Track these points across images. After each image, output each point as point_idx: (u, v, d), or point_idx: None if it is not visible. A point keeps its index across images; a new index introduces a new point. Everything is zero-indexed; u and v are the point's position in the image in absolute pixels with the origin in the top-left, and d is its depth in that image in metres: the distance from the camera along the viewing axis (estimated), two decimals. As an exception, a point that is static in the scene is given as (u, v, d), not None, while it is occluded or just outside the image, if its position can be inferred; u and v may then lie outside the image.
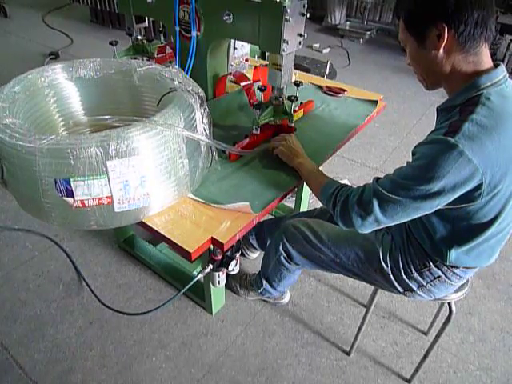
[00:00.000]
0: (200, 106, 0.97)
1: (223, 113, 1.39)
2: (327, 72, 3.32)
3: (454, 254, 0.97)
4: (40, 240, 1.85)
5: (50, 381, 1.33)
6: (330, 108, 1.48)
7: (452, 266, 1.01)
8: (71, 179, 0.80)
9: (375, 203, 0.86)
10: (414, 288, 1.07)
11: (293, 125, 1.24)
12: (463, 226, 0.92)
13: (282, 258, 1.27)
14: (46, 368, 1.37)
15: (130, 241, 1.78)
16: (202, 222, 0.93)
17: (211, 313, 1.56)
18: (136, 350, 1.43)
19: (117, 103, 1.15)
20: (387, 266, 1.09)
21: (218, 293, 1.52)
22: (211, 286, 1.35)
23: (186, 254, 0.86)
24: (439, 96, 3.53)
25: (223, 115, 1.38)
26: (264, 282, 1.44)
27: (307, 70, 3.23)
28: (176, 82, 0.98)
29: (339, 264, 1.16)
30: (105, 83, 1.12)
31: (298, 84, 1.24)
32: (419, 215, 0.86)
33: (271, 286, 1.42)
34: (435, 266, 1.02)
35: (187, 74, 1.33)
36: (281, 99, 1.20)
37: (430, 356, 1.30)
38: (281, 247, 1.26)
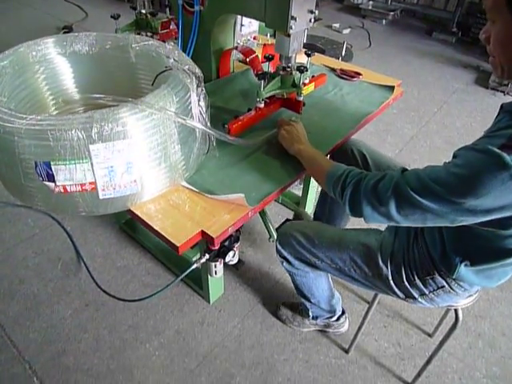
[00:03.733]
0: (196, 86, 0.89)
1: (228, 94, 1.30)
2: (343, 54, 3.17)
3: (463, 270, 0.88)
4: (42, 217, 1.83)
5: (42, 362, 1.32)
6: (343, 92, 1.38)
7: (458, 279, 0.93)
8: (52, 163, 0.74)
9: (393, 197, 0.75)
10: (416, 296, 1.00)
11: (301, 99, 1.14)
12: (483, 245, 0.82)
13: (284, 265, 1.21)
14: (39, 348, 1.36)
15: (131, 223, 1.75)
16: (193, 213, 0.87)
17: (209, 302, 1.52)
18: (130, 336, 1.41)
19: (112, 81, 1.08)
20: (387, 271, 1.01)
21: (217, 281, 1.48)
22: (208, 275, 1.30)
23: (173, 247, 0.81)
24: (463, 83, 3.35)
25: (228, 97, 1.30)
26: (302, 301, 1.35)
27: (322, 51, 3.09)
28: (172, 60, 0.91)
29: (336, 269, 1.09)
30: (100, 59, 1.05)
31: (309, 54, 1.13)
32: (436, 225, 0.77)
33: (310, 301, 1.32)
34: (440, 276, 0.94)
35: (190, 51, 1.25)
36: (289, 69, 1.10)
37: (434, 360, 1.24)
38: (278, 254, 1.20)
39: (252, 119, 1.08)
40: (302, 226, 1.15)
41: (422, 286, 0.98)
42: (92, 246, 1.71)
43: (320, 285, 1.26)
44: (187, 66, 0.90)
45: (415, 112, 2.88)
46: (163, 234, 0.81)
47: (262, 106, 1.09)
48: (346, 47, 3.23)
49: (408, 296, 1.03)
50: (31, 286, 1.55)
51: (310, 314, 1.38)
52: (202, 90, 0.92)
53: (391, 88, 1.41)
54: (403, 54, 3.78)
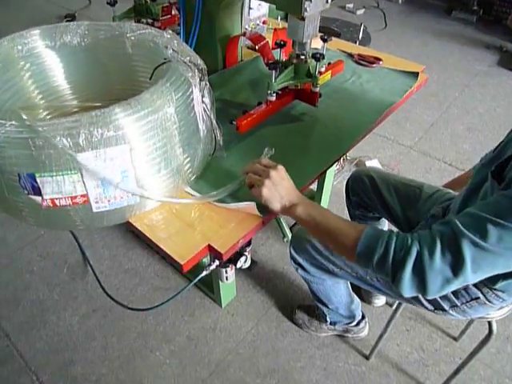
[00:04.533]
0: (199, 80, 0.79)
1: (235, 86, 1.20)
2: (360, 37, 2.99)
3: (503, 282, 0.78)
4: (47, 218, 1.77)
5: (49, 372, 1.27)
6: (362, 80, 1.26)
7: (496, 289, 0.82)
8: (36, 174, 0.65)
9: (467, 256, 0.59)
10: (446, 308, 0.90)
11: (317, 90, 1.02)
12: None
13: (298, 271, 1.12)
14: (46, 358, 1.31)
15: (138, 223, 1.67)
16: (198, 223, 0.78)
17: (221, 305, 1.44)
18: (139, 343, 1.35)
19: (108, 75, 0.99)
20: None
21: (229, 285, 1.40)
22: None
23: (177, 265, 0.72)
24: (485, 65, 3.16)
25: (235, 89, 1.19)
26: (319, 306, 1.26)
27: (337, 35, 2.92)
28: (170, 51, 0.80)
29: (357, 278, 0.99)
30: (93, 52, 0.96)
31: (325, 39, 1.02)
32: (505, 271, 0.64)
33: (327, 307, 1.24)
34: (474, 286, 0.84)
35: (193, 38, 1.15)
36: (303, 57, 0.98)
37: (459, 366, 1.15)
38: (292, 260, 1.11)
39: (263, 114, 0.97)
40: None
41: (453, 298, 0.89)
42: (98, 248, 1.65)
43: (338, 291, 1.17)
44: (188, 58, 0.80)
45: (435, 97, 2.72)
46: (165, 249, 0.72)
47: (274, 98, 0.98)
48: (364, 29, 3.04)
49: (437, 308, 0.93)
50: (37, 291, 1.49)
51: (328, 319, 1.30)
52: (206, 84, 0.82)
53: (415, 74, 1.28)
54: (421, 35, 3.58)
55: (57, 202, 0.69)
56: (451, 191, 1.09)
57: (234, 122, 0.95)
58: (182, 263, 0.70)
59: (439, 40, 3.50)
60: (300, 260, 1.09)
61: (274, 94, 0.98)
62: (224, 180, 0.87)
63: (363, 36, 3.05)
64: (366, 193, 1.19)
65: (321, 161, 0.94)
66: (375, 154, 2.18)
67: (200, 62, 0.81)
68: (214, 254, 0.75)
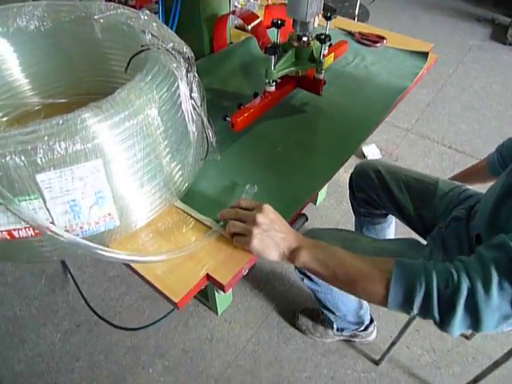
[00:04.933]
0: (186, 72, 0.65)
1: (226, 73, 1.05)
2: (357, 12, 2.81)
3: None
4: (20, 222, 1.60)
5: (30, 399, 1.15)
6: (366, 63, 1.13)
7: None
8: (-16, 202, 0.51)
9: None
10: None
11: (322, 77, 0.88)
12: None
13: (304, 281, 1.01)
14: (27, 382, 1.18)
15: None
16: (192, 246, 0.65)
17: (216, 313, 1.33)
18: (129, 360, 1.23)
19: (74, 67, 0.83)
20: None
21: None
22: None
23: (169, 301, 0.59)
24: (478, 39, 3.05)
25: (226, 76, 1.04)
26: (325, 312, 1.16)
27: (333, 11, 2.74)
28: (149, 37, 0.65)
29: None
30: (55, 38, 0.79)
31: (329, 17, 0.88)
32: None
33: (334, 314, 1.13)
34: None
35: (174, 19, 0.99)
36: (305, 39, 0.84)
37: (472, 367, 1.08)
38: (296, 269, 1.00)
39: (261, 108, 0.84)
40: (326, 235, 0.94)
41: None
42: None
43: (347, 300, 1.07)
44: (171, 44, 0.65)
45: (428, 75, 2.58)
46: (154, 283, 0.60)
47: (273, 89, 0.84)
48: (361, 4, 2.84)
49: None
50: (12, 306, 1.35)
51: (335, 326, 1.20)
52: (195, 76, 0.67)
53: (424, 55, 1.15)
54: (410, 8, 3.43)
55: (15, 233, 0.55)
56: (469, 187, 0.98)
57: (228, 119, 0.81)
58: (176, 301, 0.58)
59: (429, 13, 3.36)
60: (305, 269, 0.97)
61: (274, 84, 0.84)
62: (219, 187, 0.74)
63: (360, 11, 2.87)
64: (374, 189, 1.08)
65: (331, 160, 0.81)
66: (372, 139, 2.07)
67: (186, 49, 0.66)
68: (213, 284, 0.63)
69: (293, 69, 0.85)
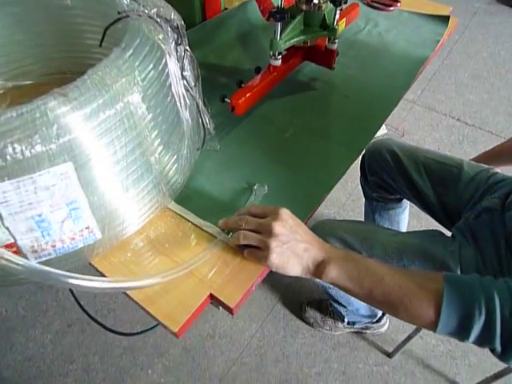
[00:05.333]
0: (175, 46, 0.52)
1: (222, 44, 0.91)
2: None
3: None
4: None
5: (21, 408, 1.08)
6: (380, 29, 1.00)
7: None
8: None
9: None
10: None
11: (335, 47, 0.76)
12: None
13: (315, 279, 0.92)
14: (17, 389, 1.10)
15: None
16: (191, 257, 0.54)
17: (218, 307, 1.25)
18: (127, 361, 1.15)
19: (40, 41, 0.69)
20: None
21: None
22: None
23: (166, 329, 0.49)
24: (483, 2, 2.87)
25: (222, 48, 0.91)
26: (335, 306, 1.08)
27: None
28: (127, 1, 0.52)
29: None
30: (15, 5, 0.65)
31: None
32: None
33: (346, 308, 1.06)
34: None
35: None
36: (316, 1, 0.71)
37: (491, 356, 1.01)
38: None
39: (265, 86, 0.71)
40: (341, 229, 0.84)
41: None
42: (67, 247, 1.40)
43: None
44: (155, 10, 0.52)
45: (434, 41, 2.44)
46: (147, 308, 0.49)
47: (279, 63, 0.71)
48: None
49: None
50: (-3, 306, 1.26)
51: (346, 319, 1.13)
52: (186, 50, 0.54)
53: (444, 19, 1.02)
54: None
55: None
56: (497, 170, 0.88)
57: (228, 100, 0.69)
58: (174, 330, 0.48)
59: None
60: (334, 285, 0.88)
61: (280, 57, 0.71)
62: (219, 183, 0.63)
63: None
64: (389, 173, 0.97)
65: (348, 146, 0.70)
66: (376, 113, 1.94)
67: (174, 15, 0.53)
68: (219, 304, 0.53)
69: (302, 38, 0.72)
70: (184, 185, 0.61)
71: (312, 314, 1.21)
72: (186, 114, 0.57)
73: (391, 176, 0.97)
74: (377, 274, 0.48)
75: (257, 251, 0.50)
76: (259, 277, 0.53)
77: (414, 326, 1.20)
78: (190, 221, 0.58)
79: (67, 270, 0.47)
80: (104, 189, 0.47)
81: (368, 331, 1.18)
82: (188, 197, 0.61)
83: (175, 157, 0.56)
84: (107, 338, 1.20)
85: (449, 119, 1.95)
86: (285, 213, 0.50)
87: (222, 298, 0.50)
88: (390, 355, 1.17)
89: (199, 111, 0.63)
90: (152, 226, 0.57)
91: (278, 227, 0.48)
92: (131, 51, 0.47)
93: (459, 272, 0.71)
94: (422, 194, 0.92)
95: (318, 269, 0.49)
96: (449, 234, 0.85)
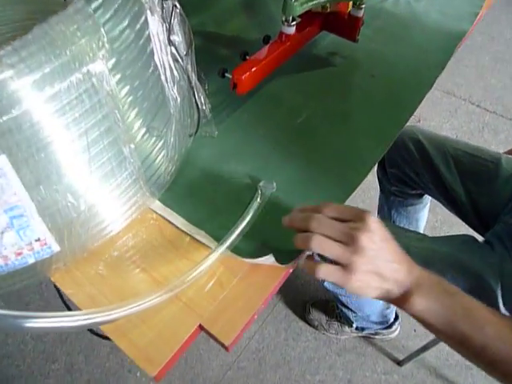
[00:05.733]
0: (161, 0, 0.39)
1: (222, 10, 0.77)
2: None
3: None
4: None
5: (-2, 411, 0.99)
6: (409, -1, 0.85)
7: None
8: None
9: None
10: None
11: (361, 14, 0.62)
12: None
13: (324, 284, 0.82)
14: (-7, 390, 1.02)
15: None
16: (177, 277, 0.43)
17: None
18: (114, 362, 1.06)
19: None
20: (506, 310, 0.61)
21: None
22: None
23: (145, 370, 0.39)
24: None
25: (222, 15, 0.77)
26: (343, 310, 0.98)
27: None
28: None
29: None
30: None
31: None
32: None
33: (355, 313, 0.96)
34: None
35: None
36: None
37: None
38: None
39: (275, 60, 0.58)
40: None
41: None
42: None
43: (374, 302, 0.88)
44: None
45: (454, 19, 2.27)
46: (116, 343, 0.39)
47: (293, 31, 0.58)
48: None
49: None
50: (-25, 298, 1.16)
51: (354, 324, 1.03)
52: (176, 7, 0.42)
53: (484, -14, 0.87)
54: None
55: None
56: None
57: (229, 75, 0.56)
58: (152, 374, 0.37)
59: None
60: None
61: (294, 23, 0.58)
62: (217, 179, 0.51)
63: None
64: (412, 165, 0.85)
65: (376, 134, 0.58)
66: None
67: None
68: (210, 337, 0.42)
69: (322, 0, 0.58)
70: (171, 181, 0.49)
71: (317, 315, 1.11)
72: (173, 91, 0.44)
73: (414, 169, 0.85)
74: (477, 320, 0.37)
75: (330, 267, 0.37)
76: (263, 303, 0.41)
77: (429, 333, 1.11)
78: (177, 226, 0.46)
79: (23, 287, 0.37)
80: (61, 189, 0.36)
81: (377, 336, 1.09)
82: (176, 196, 0.49)
83: (159, 145, 0.44)
84: (93, 335, 1.10)
85: (468, 105, 1.81)
86: (373, 221, 0.37)
87: (214, 332, 0.39)
88: (400, 363, 1.08)
89: (192, 88, 0.50)
90: (129, 233, 0.46)
91: (365, 240, 0.36)
92: (98, 2, 0.34)
93: (500, 290, 0.60)
94: (450, 192, 0.80)
95: (402, 297, 0.38)
96: (481, 239, 0.73)
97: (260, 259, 0.41)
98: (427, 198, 0.99)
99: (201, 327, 0.40)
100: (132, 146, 0.39)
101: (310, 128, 0.57)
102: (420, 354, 1.00)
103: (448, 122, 1.73)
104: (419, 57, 0.70)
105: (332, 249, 0.36)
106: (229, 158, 0.54)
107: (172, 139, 0.46)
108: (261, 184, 0.50)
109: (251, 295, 0.41)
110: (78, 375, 1.04)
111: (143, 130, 0.41)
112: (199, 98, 0.52)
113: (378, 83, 0.65)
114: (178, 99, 0.45)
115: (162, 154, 0.45)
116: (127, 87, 0.37)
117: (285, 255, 0.43)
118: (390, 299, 0.39)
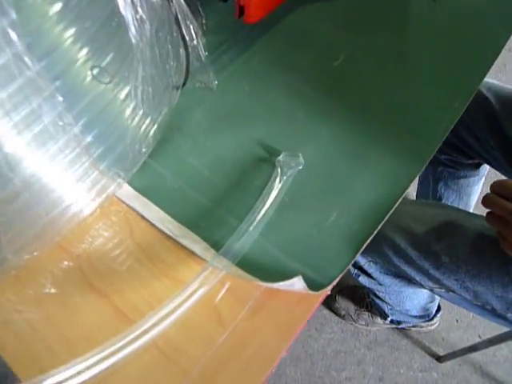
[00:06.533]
0: None
1: None
2: None
3: None
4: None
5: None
6: None
7: None
8: None
9: None
10: None
11: None
12: None
13: (359, 278, 0.66)
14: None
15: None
16: (162, 298, 0.28)
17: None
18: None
19: None
20: None
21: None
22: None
23: None
24: None
25: None
26: (377, 302, 0.84)
27: None
28: None
29: (482, 308, 0.53)
30: None
31: None
32: None
33: (392, 306, 0.82)
34: None
35: None
36: None
37: None
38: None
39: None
40: (407, 216, 0.56)
41: None
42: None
43: (417, 297, 0.74)
44: None
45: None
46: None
47: None
48: None
49: None
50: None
51: (390, 317, 0.88)
52: None
53: None
54: None
55: None
56: None
57: (236, 5, 0.38)
58: None
59: None
60: (365, 264, 0.62)
61: None
62: (214, 149, 0.34)
63: None
64: (472, 128, 0.67)
65: (448, 83, 0.39)
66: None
67: None
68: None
69: None
70: (147, 155, 0.33)
71: (344, 304, 0.97)
72: (138, 9, 0.27)
73: (474, 132, 0.67)
74: None
75: None
76: (285, 350, 0.26)
77: (474, 324, 0.96)
78: (154, 225, 0.30)
79: None
80: None
81: (413, 328, 0.94)
82: (155, 178, 0.33)
83: (119, 98, 0.28)
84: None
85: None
86: None
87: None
88: (439, 359, 0.94)
89: (177, 14, 0.33)
90: (85, 234, 0.30)
91: None
92: None
93: None
94: None
95: None
96: None
97: (282, 284, 0.26)
98: (485, 169, 0.80)
99: (188, 392, 0.25)
100: (60, 98, 0.23)
101: (351, 74, 0.39)
102: (466, 354, 0.85)
103: (496, 77, 1.49)
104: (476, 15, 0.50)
105: None
106: (233, 121, 0.37)
107: (140, 90, 0.29)
108: (280, 158, 0.33)
109: (267, 338, 0.26)
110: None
111: (83, 73, 0.25)
112: (190, 32, 0.35)
113: (445, 11, 0.46)
114: (147, 24, 0.28)
115: (126, 114, 0.29)
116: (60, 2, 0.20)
117: (319, 275, 0.27)
118: None
